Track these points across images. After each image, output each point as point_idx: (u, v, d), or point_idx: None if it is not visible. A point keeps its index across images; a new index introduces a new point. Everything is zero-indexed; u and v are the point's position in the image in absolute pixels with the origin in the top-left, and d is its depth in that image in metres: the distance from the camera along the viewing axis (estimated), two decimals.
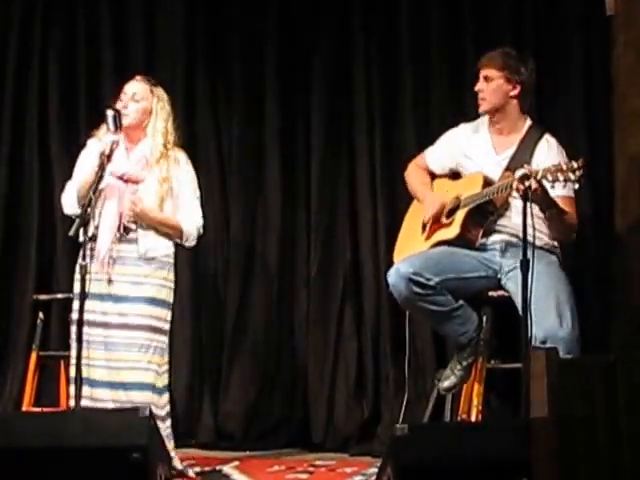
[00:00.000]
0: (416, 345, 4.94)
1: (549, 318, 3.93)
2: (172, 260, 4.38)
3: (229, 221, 5.29)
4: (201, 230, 4.46)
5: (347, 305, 5.17)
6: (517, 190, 3.86)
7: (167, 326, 4.33)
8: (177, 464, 4.22)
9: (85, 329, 4.05)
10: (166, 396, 4.30)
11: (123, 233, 4.25)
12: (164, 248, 4.34)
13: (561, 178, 3.80)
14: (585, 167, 3.77)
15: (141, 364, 4.21)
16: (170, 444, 4.22)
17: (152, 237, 4.30)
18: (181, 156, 4.43)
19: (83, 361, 4.00)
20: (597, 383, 2.85)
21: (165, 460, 3.44)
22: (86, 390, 4.08)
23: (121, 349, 4.20)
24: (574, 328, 3.96)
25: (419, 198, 4.52)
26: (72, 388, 4.00)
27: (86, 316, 4.08)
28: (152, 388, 4.22)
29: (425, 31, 5.11)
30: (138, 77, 4.47)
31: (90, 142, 4.44)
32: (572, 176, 3.78)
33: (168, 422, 4.28)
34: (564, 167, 3.80)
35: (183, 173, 4.41)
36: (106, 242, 4.23)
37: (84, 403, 4.01)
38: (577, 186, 3.91)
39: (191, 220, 4.39)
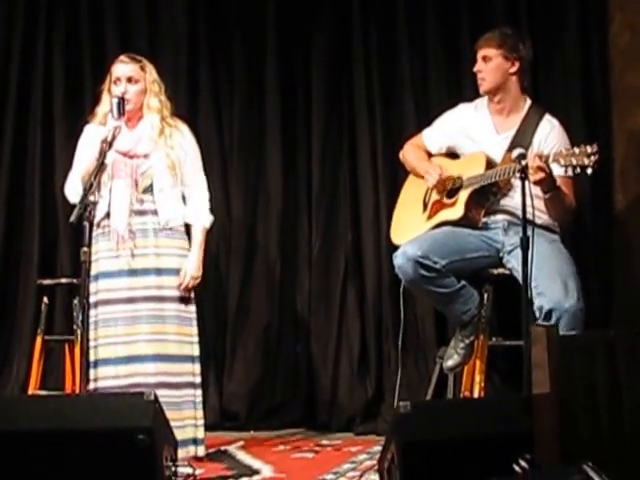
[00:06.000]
0: (416, 323, 4.97)
1: (555, 289, 3.95)
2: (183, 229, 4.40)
3: (230, 202, 5.30)
4: (210, 215, 4.45)
5: (349, 285, 5.19)
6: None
7: (192, 294, 4.35)
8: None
9: (107, 308, 4.17)
10: (199, 365, 4.34)
11: (137, 204, 4.25)
12: (181, 217, 4.34)
13: (574, 162, 3.77)
14: (599, 153, 3.74)
15: (178, 337, 4.25)
16: (199, 412, 4.28)
17: (171, 206, 4.30)
18: (183, 128, 4.42)
19: (108, 340, 4.15)
20: (598, 359, 2.86)
21: (171, 443, 3.45)
22: (119, 369, 4.16)
23: (148, 322, 4.20)
24: (579, 300, 3.96)
25: (419, 172, 4.50)
26: (105, 369, 4.15)
27: (107, 295, 4.18)
28: (192, 359, 4.28)
29: (422, 14, 5.11)
30: (124, 58, 4.38)
31: (87, 128, 4.41)
32: (586, 161, 3.74)
33: (200, 390, 4.33)
34: (577, 152, 3.77)
35: (187, 142, 4.39)
36: (123, 218, 4.24)
37: (116, 382, 4.12)
38: (590, 171, 3.78)
39: (203, 215, 4.39)
